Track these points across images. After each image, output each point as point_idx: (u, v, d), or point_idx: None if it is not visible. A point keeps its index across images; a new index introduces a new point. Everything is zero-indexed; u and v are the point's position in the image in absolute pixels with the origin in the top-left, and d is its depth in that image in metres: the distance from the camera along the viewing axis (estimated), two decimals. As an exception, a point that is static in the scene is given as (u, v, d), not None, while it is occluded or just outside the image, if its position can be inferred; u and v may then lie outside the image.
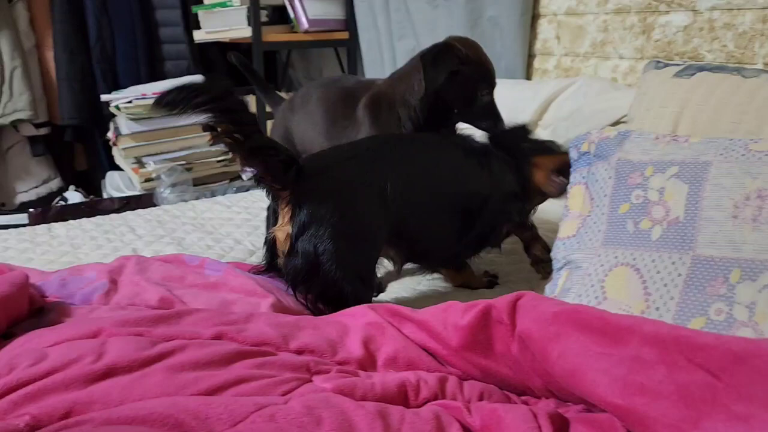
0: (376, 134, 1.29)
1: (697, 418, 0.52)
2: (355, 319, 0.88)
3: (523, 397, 0.78)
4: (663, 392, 0.55)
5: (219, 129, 0.95)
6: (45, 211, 2.14)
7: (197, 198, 2.12)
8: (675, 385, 0.55)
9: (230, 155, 2.51)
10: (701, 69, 1.21)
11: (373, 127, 1.30)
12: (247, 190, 2.11)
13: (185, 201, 2.09)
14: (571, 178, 1.21)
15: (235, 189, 2.32)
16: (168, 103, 0.89)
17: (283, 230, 1.04)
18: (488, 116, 1.29)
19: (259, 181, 1.04)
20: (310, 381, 0.73)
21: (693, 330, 0.59)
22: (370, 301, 1.05)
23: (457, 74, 1.23)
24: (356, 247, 1.04)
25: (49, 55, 2.63)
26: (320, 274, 1.01)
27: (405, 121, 1.28)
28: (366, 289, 1.08)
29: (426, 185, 1.16)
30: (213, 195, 2.18)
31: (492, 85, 1.30)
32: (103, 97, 2.42)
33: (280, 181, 1.01)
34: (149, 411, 0.60)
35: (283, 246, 1.04)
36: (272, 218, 1.09)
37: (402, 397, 0.72)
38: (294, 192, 1.02)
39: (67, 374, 0.68)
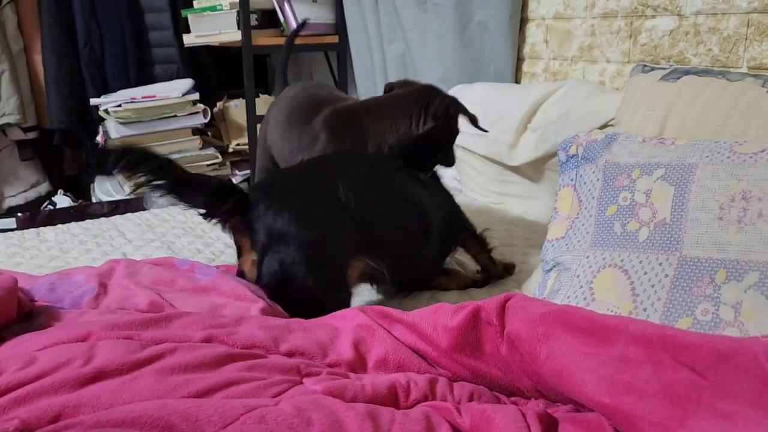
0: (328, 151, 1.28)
1: (683, 416, 0.53)
2: (345, 322, 0.88)
3: (513, 398, 0.78)
4: (649, 391, 0.56)
5: (139, 179, 1.00)
6: (33, 216, 2.13)
7: (187, 202, 2.11)
8: (661, 384, 0.56)
9: (220, 159, 2.53)
10: (687, 72, 1.23)
11: (332, 144, 1.28)
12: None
13: (174, 205, 2.08)
14: (560, 180, 1.22)
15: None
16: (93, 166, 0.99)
17: (247, 260, 1.04)
18: (450, 156, 1.41)
19: (205, 216, 1.05)
20: (301, 383, 0.73)
21: (679, 329, 0.60)
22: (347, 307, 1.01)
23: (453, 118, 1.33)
24: (321, 252, 1.02)
25: (38, 59, 2.62)
26: (292, 289, 0.99)
27: (371, 149, 1.29)
28: (340, 296, 1.05)
29: (382, 190, 1.15)
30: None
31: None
32: (93, 101, 2.41)
33: (220, 211, 1.03)
34: (139, 413, 0.60)
35: (252, 274, 1.04)
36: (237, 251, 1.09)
37: (392, 398, 0.72)
38: (245, 218, 1.02)
39: (57, 378, 0.68)
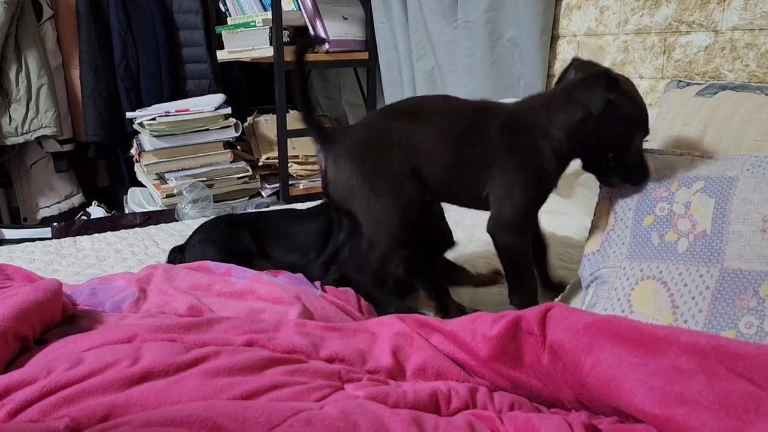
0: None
1: (740, 427, 0.52)
2: (383, 328, 0.89)
3: (553, 409, 0.77)
4: (703, 402, 0.55)
5: None
6: (68, 225, 2.17)
7: (217, 214, 2.14)
8: (715, 395, 0.55)
9: (250, 173, 2.56)
10: (724, 88, 1.22)
11: (510, 154, 1.13)
12: (267, 207, 2.13)
13: (206, 217, 2.12)
14: (598, 195, 1.21)
15: (254, 206, 2.34)
16: None
17: None
18: (640, 166, 1.09)
19: None
20: (342, 389, 0.73)
21: (732, 339, 0.59)
22: None
23: (614, 106, 1.04)
24: None
25: (75, 74, 2.69)
26: None
27: (546, 152, 1.11)
28: None
29: None
30: (233, 211, 2.20)
31: (648, 130, 1.11)
32: (129, 114, 2.47)
33: None
34: (188, 413, 0.61)
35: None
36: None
37: (434, 405, 0.72)
38: None
39: (105, 377, 0.69)
